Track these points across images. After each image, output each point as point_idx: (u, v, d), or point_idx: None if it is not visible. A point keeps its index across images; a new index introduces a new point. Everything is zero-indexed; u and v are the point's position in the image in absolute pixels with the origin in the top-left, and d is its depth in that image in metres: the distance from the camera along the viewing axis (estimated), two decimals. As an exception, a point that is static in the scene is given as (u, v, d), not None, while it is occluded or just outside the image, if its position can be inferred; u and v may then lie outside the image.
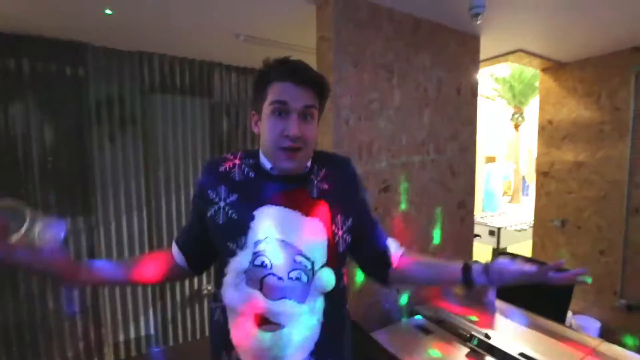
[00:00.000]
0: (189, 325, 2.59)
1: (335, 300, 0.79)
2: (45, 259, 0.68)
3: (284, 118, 0.73)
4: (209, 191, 0.79)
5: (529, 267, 0.74)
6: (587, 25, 1.86)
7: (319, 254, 0.76)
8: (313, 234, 0.76)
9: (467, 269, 0.77)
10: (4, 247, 0.65)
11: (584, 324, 2.29)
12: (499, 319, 1.61)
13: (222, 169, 0.80)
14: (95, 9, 1.67)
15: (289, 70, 0.74)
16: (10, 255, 0.66)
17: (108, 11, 1.70)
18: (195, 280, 2.59)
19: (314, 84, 0.75)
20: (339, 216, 0.80)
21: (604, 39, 2.08)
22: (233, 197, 0.77)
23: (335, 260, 0.79)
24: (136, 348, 2.40)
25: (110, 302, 2.30)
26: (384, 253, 0.87)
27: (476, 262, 0.78)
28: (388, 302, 1.72)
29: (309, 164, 0.82)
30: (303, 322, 0.75)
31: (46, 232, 0.66)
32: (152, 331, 2.45)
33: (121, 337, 2.35)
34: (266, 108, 0.75)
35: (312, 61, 1.79)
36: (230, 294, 0.76)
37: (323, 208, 0.78)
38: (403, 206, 1.74)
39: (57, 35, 2.02)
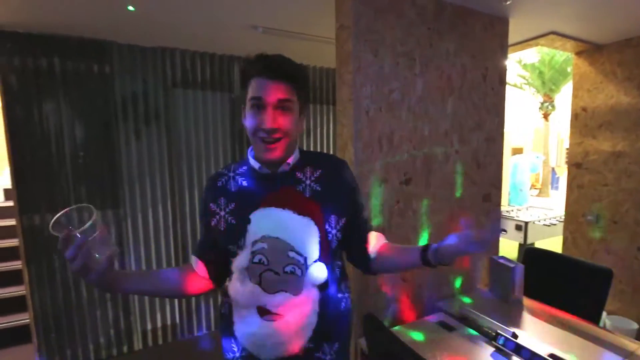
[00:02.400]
0: (213, 314, 2.66)
1: (329, 290, 0.86)
2: (99, 268, 0.71)
3: (261, 112, 0.79)
4: (211, 204, 0.88)
5: (457, 244, 0.79)
6: (627, 2, 1.71)
7: (311, 250, 0.82)
8: (305, 232, 0.82)
9: (424, 251, 0.85)
10: (83, 251, 0.67)
11: (619, 325, 2.17)
12: (527, 318, 1.54)
13: (219, 183, 0.89)
14: (118, 6, 1.71)
15: (263, 65, 0.79)
16: (83, 259, 0.68)
17: (130, 8, 1.74)
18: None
19: (288, 77, 0.80)
20: (332, 216, 0.86)
21: (647, 18, 1.92)
22: (231, 206, 0.86)
23: (327, 255, 0.85)
24: (163, 336, 2.50)
25: (138, 291, 2.39)
26: (365, 250, 0.95)
27: (433, 245, 0.85)
28: (409, 298, 1.69)
29: (294, 158, 0.87)
30: (300, 312, 0.82)
31: (102, 246, 0.70)
32: (178, 320, 2.54)
33: (149, 325, 2.45)
34: (247, 103, 0.81)
35: (331, 51, 1.76)
36: (235, 289, 0.84)
37: (315, 208, 0.84)
38: (425, 200, 1.69)
39: (84, 34, 2.09)
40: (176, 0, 1.66)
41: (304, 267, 0.81)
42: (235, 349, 0.88)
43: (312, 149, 2.95)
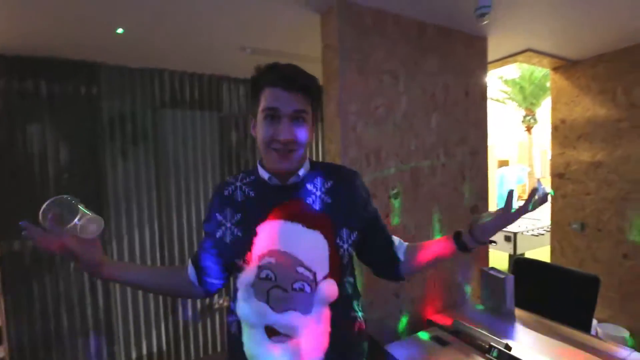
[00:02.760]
0: (201, 340, 2.57)
1: (341, 309, 0.80)
2: (84, 247, 0.79)
3: (275, 123, 0.77)
4: (217, 214, 0.85)
5: (499, 215, 0.84)
6: (598, 21, 1.82)
7: (321, 266, 0.77)
8: (314, 246, 0.78)
9: (457, 236, 0.86)
10: (57, 232, 0.76)
11: (611, 333, 2.18)
12: (520, 329, 1.54)
13: (226, 192, 0.86)
14: (107, 29, 1.72)
15: (278, 76, 0.77)
16: (59, 240, 0.77)
17: (119, 30, 1.75)
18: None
19: (303, 88, 0.78)
20: (344, 230, 0.82)
21: (616, 35, 2.03)
22: (237, 217, 0.83)
23: (338, 271, 0.80)
24: (149, 364, 2.40)
25: (122, 318, 2.31)
26: (393, 254, 0.92)
27: (461, 231, 0.88)
28: (401, 313, 1.67)
29: (305, 169, 0.84)
30: (310, 333, 0.76)
31: (89, 225, 0.77)
32: (164, 347, 2.44)
33: (134, 355, 2.35)
34: (260, 114, 0.79)
35: (318, 69, 1.80)
36: (242, 307, 0.78)
37: (326, 221, 0.80)
38: (413, 214, 1.70)
39: (72, 56, 2.09)
40: (165, 23, 1.69)
41: (314, 283, 0.76)
42: None
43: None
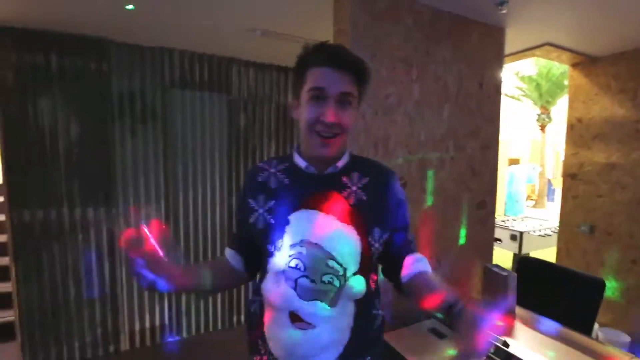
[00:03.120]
0: (202, 317, 2.62)
1: (365, 305, 0.80)
2: (167, 267, 0.73)
3: (321, 104, 0.73)
4: (250, 200, 0.83)
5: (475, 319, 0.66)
6: (621, 17, 1.74)
7: (352, 261, 0.76)
8: (347, 242, 0.77)
9: (450, 306, 0.71)
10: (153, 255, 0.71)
11: (612, 338, 2.15)
12: (519, 326, 1.53)
13: (260, 178, 0.84)
14: (117, 4, 1.71)
15: (326, 55, 0.74)
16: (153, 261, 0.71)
17: (129, 6, 1.74)
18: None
19: (352, 68, 0.75)
20: (376, 229, 0.80)
21: (639, 31, 1.94)
22: (271, 204, 0.80)
23: (367, 268, 0.80)
24: (151, 337, 2.46)
25: (127, 291, 2.36)
26: (401, 267, 0.86)
27: (460, 304, 0.71)
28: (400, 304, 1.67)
29: (344, 160, 0.82)
30: (333, 325, 0.76)
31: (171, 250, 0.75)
32: (166, 321, 2.50)
33: (137, 326, 2.41)
34: (304, 94, 0.76)
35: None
36: (270, 289, 0.78)
37: (360, 218, 0.78)
38: (420, 205, 1.68)
39: (83, 31, 2.09)
40: (175, 1, 1.67)
41: (343, 278, 0.76)
42: (262, 351, 0.82)
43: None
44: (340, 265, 0.75)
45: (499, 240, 3.71)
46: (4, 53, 1.96)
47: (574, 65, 2.52)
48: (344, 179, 0.81)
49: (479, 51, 1.83)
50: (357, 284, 0.76)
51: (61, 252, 2.15)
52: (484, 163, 1.90)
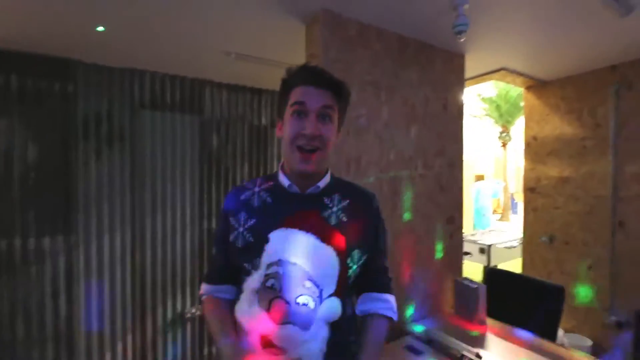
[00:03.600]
0: (170, 351, 2.47)
1: (340, 330, 0.79)
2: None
3: (303, 118, 0.78)
4: (231, 218, 0.84)
5: None
6: (567, 45, 1.94)
7: (329, 282, 0.76)
8: (326, 262, 0.77)
9: None
10: None
11: (575, 342, 2.26)
12: (490, 338, 1.58)
13: (242, 197, 0.85)
14: (87, 26, 1.68)
15: (308, 73, 0.81)
16: None
17: (100, 28, 1.71)
18: (179, 303, 2.49)
19: (332, 87, 0.81)
20: (356, 251, 0.81)
21: (583, 58, 2.17)
22: (251, 222, 0.81)
23: (344, 291, 0.80)
24: (113, 376, 2.27)
25: (86, 330, 2.17)
26: (360, 296, 0.91)
27: None
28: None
29: (325, 181, 0.85)
30: (305, 350, 0.74)
31: None
32: None
33: (97, 366, 2.22)
34: (287, 111, 0.81)
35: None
36: (242, 310, 0.77)
37: (340, 238, 0.79)
38: (391, 223, 1.72)
39: (48, 51, 2.02)
40: (148, 23, 1.67)
41: (318, 300, 0.75)
42: None
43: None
44: (317, 286, 0.75)
45: (469, 253, 3.84)
46: (-43, 73, 1.85)
47: (528, 88, 2.75)
48: (326, 199, 0.83)
49: (443, 75, 1.95)
50: (333, 306, 0.76)
51: (9, 286, 1.97)
52: (451, 180, 2.00)
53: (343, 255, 0.78)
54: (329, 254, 0.77)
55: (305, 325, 0.73)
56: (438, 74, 1.93)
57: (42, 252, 2.06)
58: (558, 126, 2.57)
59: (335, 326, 0.77)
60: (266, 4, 1.47)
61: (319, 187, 0.83)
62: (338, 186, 0.87)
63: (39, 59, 2.04)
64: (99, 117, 2.23)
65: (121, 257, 2.30)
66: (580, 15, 1.57)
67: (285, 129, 0.80)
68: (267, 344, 0.73)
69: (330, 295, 0.76)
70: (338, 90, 0.82)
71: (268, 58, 2.11)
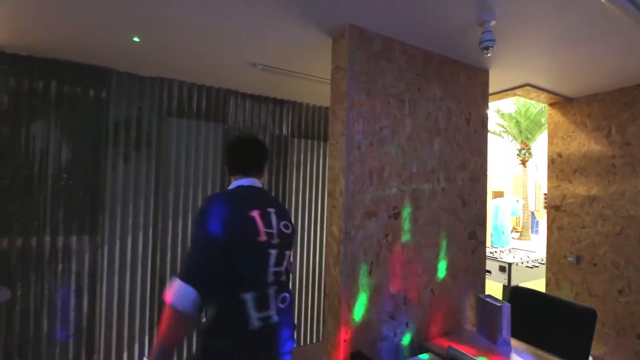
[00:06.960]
0: (185, 353, 2.48)
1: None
2: None
3: None
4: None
5: None
6: (593, 62, 1.91)
7: None
8: None
9: None
10: None
11: (606, 370, 2.14)
12: (515, 358, 1.52)
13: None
14: (123, 37, 1.78)
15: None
16: None
17: (136, 39, 1.81)
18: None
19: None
20: None
21: (610, 76, 2.13)
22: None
23: None
24: (130, 376, 2.30)
25: (105, 327, 2.23)
26: None
27: None
28: (397, 337, 1.64)
29: None
30: None
31: None
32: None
33: (114, 366, 2.25)
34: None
35: (324, 90, 1.81)
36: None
37: None
38: (408, 236, 1.71)
39: (86, 60, 2.14)
40: (180, 35, 1.75)
41: None
42: None
43: (301, 183, 2.98)
44: None
45: (489, 271, 3.72)
46: (3, 78, 1.98)
47: (552, 105, 2.71)
48: None
49: (466, 90, 1.95)
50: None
51: (37, 283, 2.05)
52: (474, 194, 1.97)
53: None
54: None
55: None
56: (462, 88, 1.93)
57: (69, 250, 2.14)
58: (585, 143, 2.50)
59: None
60: (297, 20, 1.52)
61: None
62: None
63: (76, 67, 2.16)
64: (128, 123, 2.33)
65: (142, 258, 2.36)
66: (607, 32, 1.55)
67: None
68: None
69: None
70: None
71: (293, 70, 2.16)
